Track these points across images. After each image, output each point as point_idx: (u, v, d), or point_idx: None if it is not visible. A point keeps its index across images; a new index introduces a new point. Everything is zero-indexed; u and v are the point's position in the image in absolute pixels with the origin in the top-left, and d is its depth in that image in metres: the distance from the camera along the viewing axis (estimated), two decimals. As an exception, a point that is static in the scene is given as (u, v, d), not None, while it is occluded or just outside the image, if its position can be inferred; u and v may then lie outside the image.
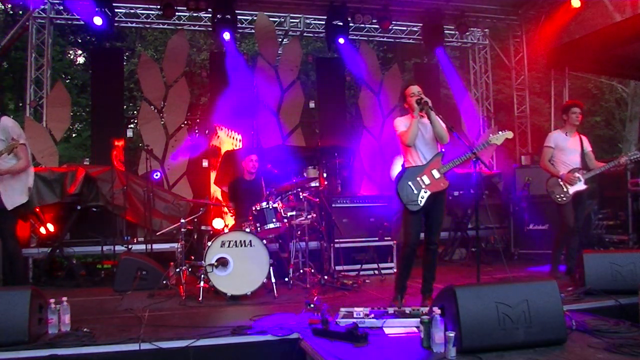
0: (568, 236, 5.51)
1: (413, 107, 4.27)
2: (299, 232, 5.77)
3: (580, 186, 5.42)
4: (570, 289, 4.45)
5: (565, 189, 5.41)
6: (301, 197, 5.71)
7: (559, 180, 5.45)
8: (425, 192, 4.27)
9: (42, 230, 6.43)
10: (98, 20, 7.52)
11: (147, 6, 8.38)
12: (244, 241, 4.87)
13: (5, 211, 4.40)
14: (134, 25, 8.77)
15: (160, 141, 8.29)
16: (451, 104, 9.99)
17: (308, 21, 9.12)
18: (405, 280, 4.49)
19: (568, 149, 5.50)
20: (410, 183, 4.31)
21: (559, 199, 5.44)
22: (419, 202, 4.28)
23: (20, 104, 12.57)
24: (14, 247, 4.53)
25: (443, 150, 4.39)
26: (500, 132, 4.38)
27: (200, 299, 4.72)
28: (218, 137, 8.58)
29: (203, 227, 5.50)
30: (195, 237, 5.58)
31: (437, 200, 4.36)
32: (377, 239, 6.43)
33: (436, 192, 4.28)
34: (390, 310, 3.72)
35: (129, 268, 5.50)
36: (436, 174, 4.28)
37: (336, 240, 6.24)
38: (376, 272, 6.21)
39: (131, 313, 4.27)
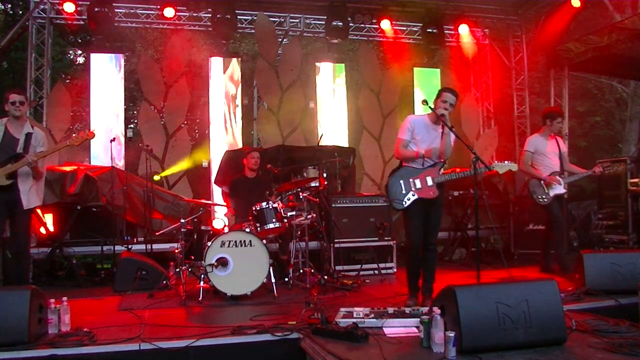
0: (560, 231, 5.77)
1: (436, 114, 4.25)
2: (299, 232, 5.77)
3: (560, 190, 5.70)
4: (570, 289, 4.46)
5: (546, 191, 5.67)
6: (301, 197, 5.70)
7: (541, 182, 5.70)
8: (413, 195, 4.30)
9: (42, 230, 6.43)
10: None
11: (147, 6, 8.37)
12: (244, 241, 4.86)
13: (22, 210, 4.47)
14: (134, 25, 8.76)
15: (160, 141, 8.29)
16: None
17: (308, 21, 9.11)
18: (417, 280, 4.51)
19: (548, 153, 5.79)
20: (401, 181, 4.34)
21: (541, 200, 5.70)
22: (404, 202, 4.31)
23: (20, 104, 12.52)
24: (25, 246, 4.60)
25: (444, 161, 4.40)
26: (506, 162, 4.37)
27: (200, 299, 4.72)
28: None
29: (203, 227, 5.50)
30: (195, 237, 5.57)
31: (434, 203, 4.37)
32: (377, 239, 6.42)
33: (424, 198, 4.28)
34: (390, 310, 3.73)
35: (129, 268, 5.50)
36: (430, 181, 4.29)
37: (336, 240, 6.24)
38: (376, 272, 6.21)
39: (131, 313, 4.27)
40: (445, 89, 4.37)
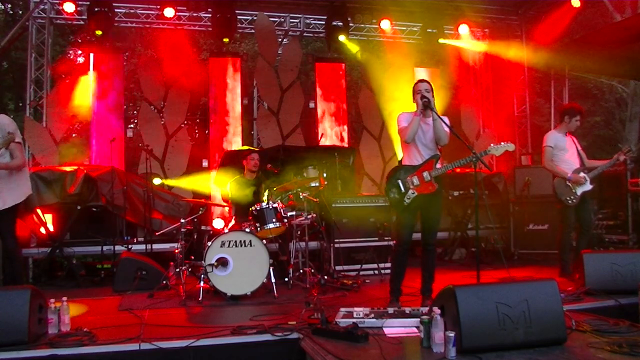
0: (570, 236, 5.52)
1: (418, 105, 4.26)
2: (299, 232, 5.77)
3: (587, 186, 5.42)
4: (570, 289, 4.45)
5: (573, 191, 5.38)
6: (301, 197, 5.71)
7: (566, 181, 5.39)
8: (413, 193, 4.28)
9: (42, 230, 6.43)
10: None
11: (147, 6, 8.37)
12: (244, 241, 4.87)
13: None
14: (134, 25, 8.77)
15: (160, 141, 8.28)
16: (451, 104, 9.99)
17: (308, 21, 9.11)
18: (400, 282, 4.45)
19: (567, 149, 5.49)
20: (400, 182, 4.33)
21: (569, 201, 5.39)
22: (405, 201, 4.29)
23: (20, 104, 12.56)
24: (13, 247, 4.50)
25: (439, 153, 4.38)
26: (502, 143, 4.26)
27: (200, 299, 4.72)
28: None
29: (203, 227, 5.50)
30: (195, 237, 5.58)
31: (432, 201, 4.35)
32: (377, 239, 6.42)
33: (425, 194, 4.28)
34: (390, 310, 3.73)
35: (129, 268, 5.50)
36: (427, 176, 4.27)
37: (336, 240, 6.24)
38: (376, 272, 6.21)
39: (131, 313, 4.27)
40: (416, 82, 4.36)
